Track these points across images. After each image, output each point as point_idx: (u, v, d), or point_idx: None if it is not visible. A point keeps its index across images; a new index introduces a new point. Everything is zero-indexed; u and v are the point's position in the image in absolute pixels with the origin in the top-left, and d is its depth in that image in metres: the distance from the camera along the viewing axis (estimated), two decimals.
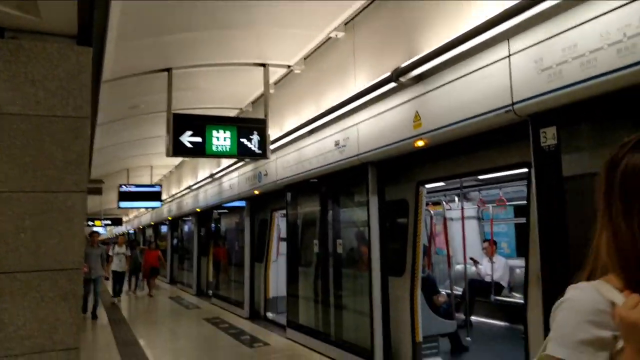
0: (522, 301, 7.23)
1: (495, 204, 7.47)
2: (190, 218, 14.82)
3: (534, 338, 3.64)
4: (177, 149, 6.12)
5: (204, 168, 11.78)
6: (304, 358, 6.22)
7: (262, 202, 9.47)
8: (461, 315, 7.12)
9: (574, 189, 3.36)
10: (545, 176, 3.33)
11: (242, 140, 6.24)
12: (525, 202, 7.57)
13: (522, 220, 8.49)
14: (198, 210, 12.92)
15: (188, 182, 13.40)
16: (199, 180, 11.90)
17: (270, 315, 9.12)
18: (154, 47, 6.02)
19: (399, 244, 5.46)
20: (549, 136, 3.28)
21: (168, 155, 6.21)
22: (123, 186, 14.10)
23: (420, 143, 4.37)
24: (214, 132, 6.21)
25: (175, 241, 17.88)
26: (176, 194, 14.95)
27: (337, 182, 6.22)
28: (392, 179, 5.61)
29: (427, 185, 7.16)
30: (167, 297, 13.63)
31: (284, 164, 7.22)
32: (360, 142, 5.28)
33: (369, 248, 5.36)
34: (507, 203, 7.05)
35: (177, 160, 14.06)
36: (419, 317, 5.14)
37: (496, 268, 7.45)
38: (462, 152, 4.59)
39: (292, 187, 7.32)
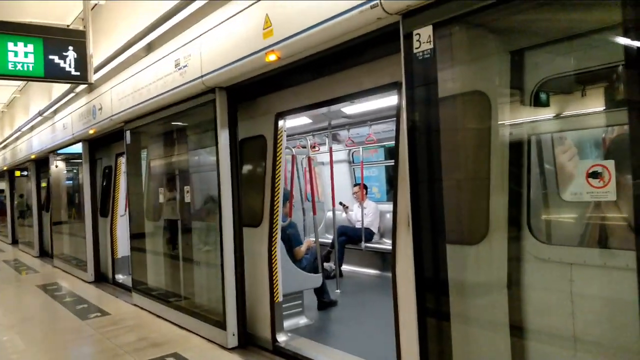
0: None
1: (364, 145, 6.88)
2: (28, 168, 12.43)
3: (403, 293, 3.03)
4: None
5: (36, 104, 9.63)
6: (148, 329, 5.19)
7: (105, 145, 7.90)
8: (332, 266, 6.59)
9: (447, 113, 2.69)
10: (417, 92, 2.59)
11: (51, 57, 4.72)
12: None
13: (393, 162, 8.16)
14: (33, 157, 10.74)
15: (20, 123, 11.02)
16: (30, 118, 9.73)
17: (120, 277, 7.83)
18: None
19: (255, 189, 4.57)
20: (423, 39, 2.51)
21: None
22: None
23: (272, 57, 3.39)
24: (10, 44, 4.61)
25: (14, 195, 15.17)
26: (7, 138, 12.37)
27: (181, 115, 5.04)
28: (247, 111, 4.62)
29: (294, 124, 6.36)
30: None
31: (119, 94, 5.79)
32: (203, 59, 4.15)
33: (219, 194, 4.39)
34: (377, 143, 6.48)
35: (5, 96, 11.50)
36: (279, 274, 4.38)
37: (366, 213, 7.01)
38: (325, 72, 3.75)
39: (131, 123, 5.96)
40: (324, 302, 5.37)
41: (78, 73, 4.80)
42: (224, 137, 4.34)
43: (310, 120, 6.08)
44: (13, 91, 10.88)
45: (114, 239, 7.85)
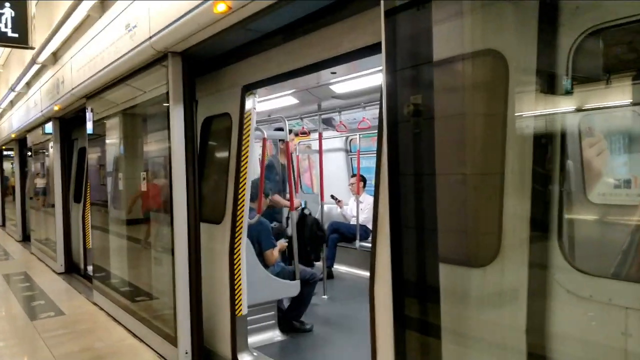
0: None
1: (358, 130, 6.02)
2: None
3: (383, 325, 2.23)
4: None
5: (13, 79, 8.93)
6: (98, 335, 4.48)
7: (81, 125, 7.17)
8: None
9: (443, 82, 1.89)
10: (401, 50, 1.78)
11: None
12: None
13: None
14: (13, 136, 10.10)
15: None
16: (4, 95, 9.05)
17: (91, 269, 7.14)
18: None
19: (217, 179, 3.80)
20: None
21: None
22: None
23: (221, 7, 2.59)
24: None
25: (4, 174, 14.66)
26: None
27: (136, 86, 4.26)
28: (211, 84, 3.84)
29: (278, 105, 5.56)
30: None
31: (77, 65, 5.03)
32: (152, 17, 3.36)
33: (170, 184, 3.62)
34: (370, 129, 5.61)
35: None
36: (243, 281, 3.62)
37: (362, 209, 6.20)
38: (298, 33, 2.94)
39: (92, 99, 5.21)
40: (293, 325, 4.45)
41: (16, 35, 4.06)
42: (177, 114, 3.55)
43: (297, 101, 5.26)
44: None
45: (87, 227, 7.16)
